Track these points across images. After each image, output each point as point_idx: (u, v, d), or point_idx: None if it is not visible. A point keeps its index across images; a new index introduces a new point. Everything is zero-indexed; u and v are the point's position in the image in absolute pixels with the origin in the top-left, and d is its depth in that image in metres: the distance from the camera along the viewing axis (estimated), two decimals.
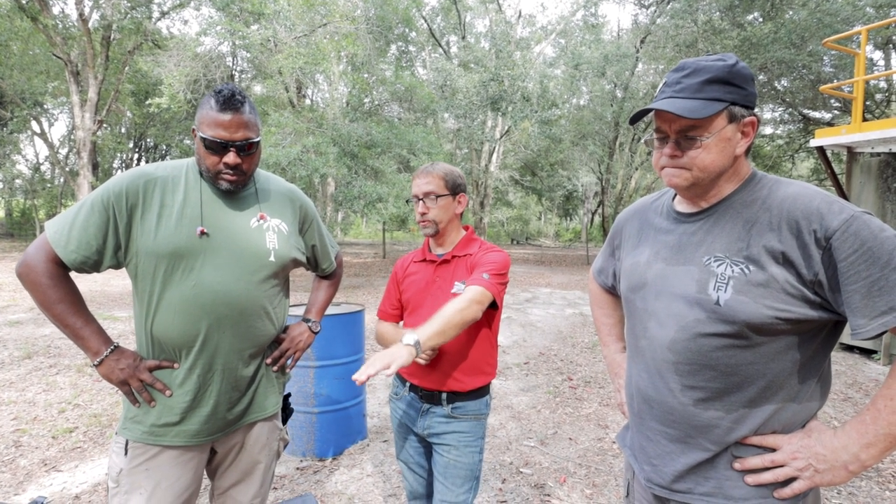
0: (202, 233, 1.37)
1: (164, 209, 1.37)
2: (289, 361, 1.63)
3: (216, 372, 1.41)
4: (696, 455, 1.06)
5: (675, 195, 1.21)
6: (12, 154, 24.24)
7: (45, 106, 22.65)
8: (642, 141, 20.37)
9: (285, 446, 1.72)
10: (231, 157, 1.35)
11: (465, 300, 1.52)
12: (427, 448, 1.82)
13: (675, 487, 1.10)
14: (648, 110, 1.06)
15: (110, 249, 1.35)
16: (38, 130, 22.98)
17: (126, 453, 1.39)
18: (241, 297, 1.41)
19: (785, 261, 0.96)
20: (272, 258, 1.48)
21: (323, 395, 3.21)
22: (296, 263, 1.60)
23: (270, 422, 1.60)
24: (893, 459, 3.27)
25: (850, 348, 6.19)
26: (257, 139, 1.41)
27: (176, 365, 1.40)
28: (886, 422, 0.91)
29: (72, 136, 23.60)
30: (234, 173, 1.39)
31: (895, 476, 3.09)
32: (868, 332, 0.91)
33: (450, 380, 1.69)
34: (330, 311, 3.36)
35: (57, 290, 1.31)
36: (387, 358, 1.29)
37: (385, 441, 3.49)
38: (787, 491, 1.00)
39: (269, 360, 1.55)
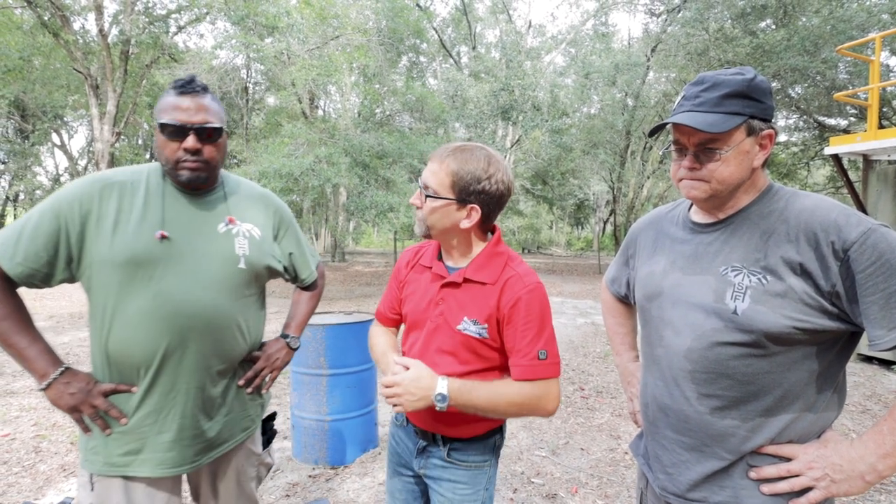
0: (162, 237, 1.26)
1: (122, 214, 1.27)
2: (265, 381, 1.50)
3: (180, 392, 1.29)
4: (712, 464, 1.06)
5: (692, 205, 1.22)
6: (33, 166, 24.80)
7: (65, 119, 23.20)
8: (660, 153, 20.34)
9: (268, 471, 1.60)
10: (190, 141, 1.26)
11: (531, 398, 1.25)
12: (420, 487, 1.51)
13: (690, 496, 1.10)
14: (667, 123, 1.07)
15: (62, 261, 1.25)
16: (59, 143, 23.53)
17: (92, 488, 1.28)
18: (207, 308, 1.29)
19: (803, 272, 0.97)
20: (242, 265, 1.37)
21: (335, 403, 3.23)
22: (271, 272, 1.48)
23: (244, 446, 1.49)
24: None
25: (868, 359, 6.08)
26: (220, 125, 1.31)
27: (135, 389, 1.27)
28: None
29: (90, 148, 24.11)
30: (195, 160, 1.28)
31: None
32: (886, 344, 0.92)
33: (440, 424, 1.38)
34: (342, 319, 3.39)
35: (1, 306, 1.21)
36: (401, 392, 1.23)
37: None
38: (802, 501, 1.00)
39: (241, 382, 1.42)
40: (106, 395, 1.27)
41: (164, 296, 1.25)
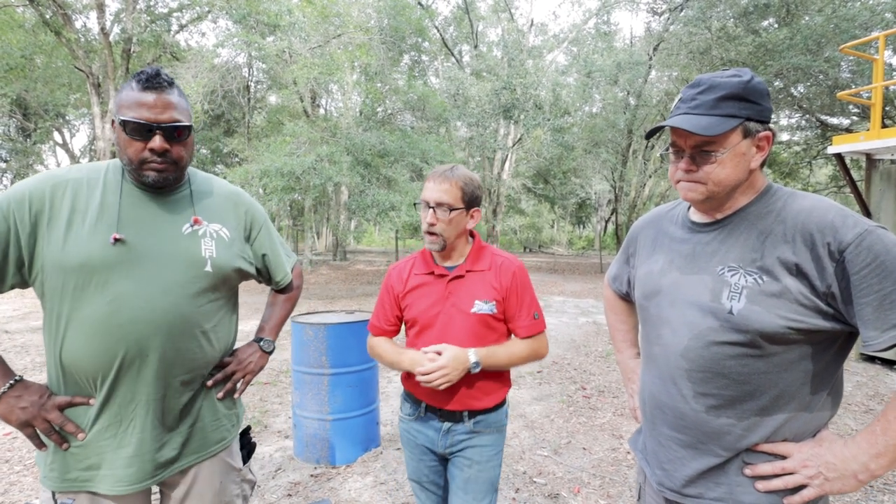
0: (116, 240, 1.18)
1: (76, 215, 1.18)
2: (237, 386, 1.43)
3: (139, 404, 1.21)
4: (708, 460, 1.08)
5: (690, 205, 1.23)
6: (35, 164, 24.83)
7: (67, 117, 23.20)
8: (658, 154, 20.32)
9: (252, 488, 1.53)
10: (157, 142, 1.18)
11: (534, 348, 1.65)
12: (443, 465, 1.74)
13: (686, 492, 1.12)
14: (663, 126, 1.09)
15: (12, 266, 1.16)
16: (60, 141, 23.55)
17: None
18: (169, 314, 1.21)
19: (798, 272, 0.98)
20: (208, 268, 1.29)
21: (337, 402, 3.23)
22: (241, 275, 1.41)
23: (221, 460, 1.40)
24: None
25: (871, 359, 6.07)
26: (188, 124, 1.24)
27: (92, 401, 1.19)
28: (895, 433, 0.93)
29: (92, 147, 24.12)
30: (162, 161, 1.21)
31: None
32: (879, 345, 0.93)
33: (471, 399, 1.61)
34: (344, 319, 3.39)
35: None
36: (448, 371, 1.49)
37: (398, 449, 3.50)
38: (796, 498, 1.02)
39: (210, 383, 1.34)
40: (61, 408, 1.19)
41: (120, 302, 1.17)
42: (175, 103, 1.21)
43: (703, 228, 1.15)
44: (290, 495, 2.90)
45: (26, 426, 1.18)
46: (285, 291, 1.64)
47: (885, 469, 0.95)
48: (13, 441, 3.53)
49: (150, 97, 1.17)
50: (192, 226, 1.30)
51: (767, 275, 1.01)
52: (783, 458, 1.04)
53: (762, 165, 1.09)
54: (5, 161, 23.92)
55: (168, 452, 1.28)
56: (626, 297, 1.52)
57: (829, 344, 1.02)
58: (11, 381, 1.18)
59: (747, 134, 1.04)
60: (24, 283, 1.20)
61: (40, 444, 1.21)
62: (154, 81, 1.18)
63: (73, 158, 22.27)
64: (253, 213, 1.47)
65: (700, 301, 1.08)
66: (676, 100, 1.12)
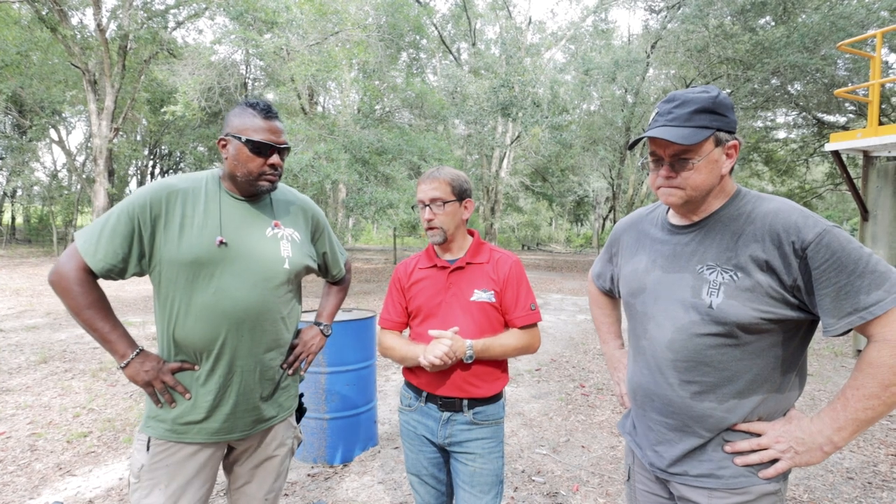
0: (221, 242, 1.45)
1: (186, 220, 1.46)
2: (302, 364, 1.69)
3: (236, 373, 1.49)
4: (692, 441, 1.21)
5: (669, 208, 1.34)
6: (31, 161, 24.70)
7: (63, 114, 23.03)
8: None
9: (299, 444, 1.78)
10: (276, 159, 1.51)
11: (528, 339, 1.72)
12: (444, 459, 1.78)
13: (673, 470, 1.25)
14: (644, 137, 1.21)
15: (135, 258, 1.44)
16: (56, 138, 23.37)
17: (148, 450, 1.47)
18: (258, 303, 1.49)
19: (768, 268, 1.10)
20: (286, 266, 1.56)
21: (334, 401, 3.21)
22: (308, 270, 1.67)
23: (286, 421, 1.68)
24: None
25: None
26: (289, 145, 1.58)
27: (197, 367, 1.48)
28: (854, 408, 1.05)
29: (89, 144, 24.00)
30: (275, 174, 1.53)
31: None
32: (836, 330, 1.06)
33: (470, 387, 1.68)
34: (341, 317, 3.37)
35: (87, 296, 1.40)
36: (451, 351, 1.57)
37: (396, 448, 3.48)
38: (770, 471, 1.14)
39: (284, 365, 1.62)
40: (173, 373, 1.47)
41: (223, 292, 1.44)
42: (284, 130, 1.55)
43: (681, 230, 1.27)
44: (286, 495, 2.88)
45: (148, 385, 1.45)
46: (339, 283, 1.94)
47: (846, 440, 1.07)
48: (6, 441, 3.51)
49: (272, 124, 1.50)
50: (273, 229, 1.58)
51: (741, 271, 1.12)
52: (758, 435, 1.15)
53: (731, 171, 1.21)
54: (1, 158, 23.79)
55: (254, 413, 1.55)
56: (609, 293, 1.65)
57: (795, 332, 1.15)
58: (137, 350, 1.46)
59: (718, 143, 1.16)
60: (142, 273, 1.48)
61: (157, 401, 1.47)
62: (272, 112, 1.51)
63: (70, 156, 22.15)
64: (318, 218, 1.76)
65: (682, 297, 1.19)
66: (653, 113, 1.23)
